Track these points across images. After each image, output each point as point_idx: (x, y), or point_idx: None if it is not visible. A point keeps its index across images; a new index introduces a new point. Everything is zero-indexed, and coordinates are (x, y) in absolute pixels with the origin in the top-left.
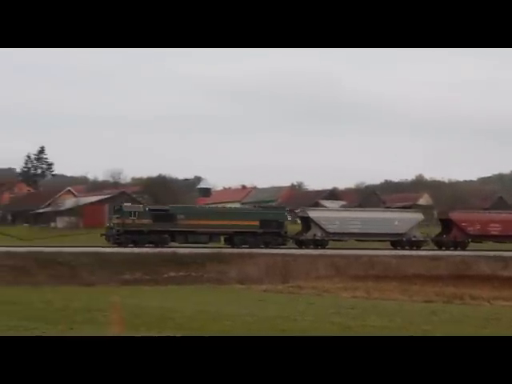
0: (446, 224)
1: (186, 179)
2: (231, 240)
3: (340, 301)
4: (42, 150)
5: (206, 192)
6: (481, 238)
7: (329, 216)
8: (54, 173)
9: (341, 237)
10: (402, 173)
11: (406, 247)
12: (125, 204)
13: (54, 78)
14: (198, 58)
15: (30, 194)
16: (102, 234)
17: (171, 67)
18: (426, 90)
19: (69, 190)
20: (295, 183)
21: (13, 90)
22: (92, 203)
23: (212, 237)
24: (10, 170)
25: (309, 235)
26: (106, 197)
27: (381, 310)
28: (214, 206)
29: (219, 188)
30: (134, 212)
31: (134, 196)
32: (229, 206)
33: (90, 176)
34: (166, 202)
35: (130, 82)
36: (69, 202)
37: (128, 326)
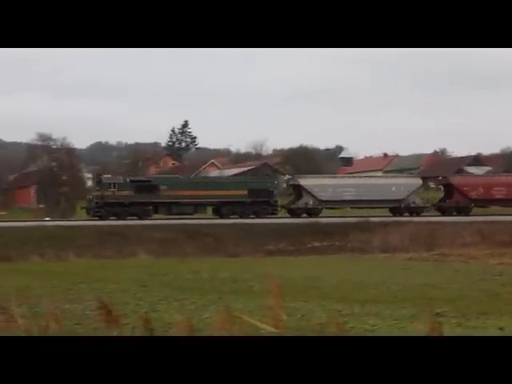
0: (448, 189)
1: (328, 149)
2: (219, 210)
3: (487, 267)
4: (185, 124)
5: (348, 161)
6: (484, 202)
7: (320, 183)
8: (197, 146)
9: (334, 204)
10: None
11: (406, 214)
12: (104, 176)
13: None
14: None
15: (175, 167)
16: (82, 207)
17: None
18: None
19: (212, 163)
20: (438, 150)
21: (160, 70)
22: (235, 175)
23: (198, 207)
24: (156, 145)
25: (300, 203)
26: (248, 168)
27: None
28: (199, 176)
29: (361, 157)
30: (114, 184)
31: (276, 167)
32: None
33: (233, 148)
34: (307, 172)
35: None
36: (213, 175)
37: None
